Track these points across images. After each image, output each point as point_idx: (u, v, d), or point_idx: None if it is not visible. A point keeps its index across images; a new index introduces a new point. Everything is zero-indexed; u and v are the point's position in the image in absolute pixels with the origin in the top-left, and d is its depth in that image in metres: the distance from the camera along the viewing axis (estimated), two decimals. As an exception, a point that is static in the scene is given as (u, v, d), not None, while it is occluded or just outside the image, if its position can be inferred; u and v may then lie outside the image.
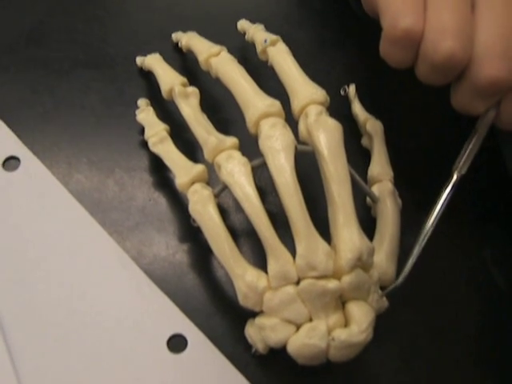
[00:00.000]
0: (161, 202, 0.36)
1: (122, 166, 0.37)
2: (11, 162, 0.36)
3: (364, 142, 0.38)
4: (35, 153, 0.36)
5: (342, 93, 0.38)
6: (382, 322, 0.30)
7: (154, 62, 0.38)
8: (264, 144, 0.31)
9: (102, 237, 0.34)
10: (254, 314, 0.30)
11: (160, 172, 0.36)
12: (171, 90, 0.35)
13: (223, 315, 0.32)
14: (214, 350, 0.31)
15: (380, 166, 0.35)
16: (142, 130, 0.36)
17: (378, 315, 0.30)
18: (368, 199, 0.35)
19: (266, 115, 0.32)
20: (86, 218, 0.34)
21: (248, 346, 0.31)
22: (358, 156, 0.37)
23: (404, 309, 0.34)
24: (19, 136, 0.37)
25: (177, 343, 0.31)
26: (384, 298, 0.31)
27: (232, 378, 0.31)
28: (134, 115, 0.37)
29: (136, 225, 0.35)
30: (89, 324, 0.31)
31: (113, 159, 0.37)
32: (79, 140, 0.37)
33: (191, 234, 0.35)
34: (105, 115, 0.38)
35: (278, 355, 0.30)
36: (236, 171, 0.30)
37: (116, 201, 0.36)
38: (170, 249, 0.34)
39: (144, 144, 0.36)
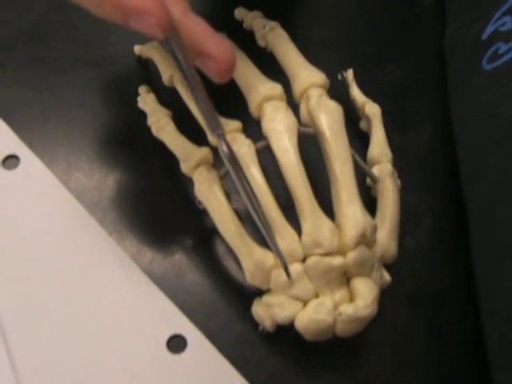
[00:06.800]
0: (160, 201, 0.36)
1: (121, 165, 0.37)
2: (11, 161, 0.35)
3: (362, 125, 0.38)
4: (35, 151, 0.36)
5: (339, 77, 0.39)
6: (379, 322, 0.31)
7: (152, 49, 0.38)
8: (267, 126, 0.32)
9: (101, 236, 0.34)
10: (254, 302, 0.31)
11: (160, 170, 0.36)
12: (172, 77, 0.36)
13: (223, 315, 0.33)
14: (213, 350, 0.31)
15: (379, 148, 0.36)
16: (142, 127, 0.36)
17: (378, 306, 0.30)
18: (368, 180, 0.36)
19: (269, 98, 0.33)
20: (85, 216, 0.34)
21: (247, 347, 0.31)
22: (356, 139, 0.37)
23: (402, 309, 0.34)
24: (19, 134, 0.36)
25: (176, 343, 0.31)
26: (386, 274, 0.32)
27: (231, 379, 0.30)
28: (134, 114, 0.37)
29: (135, 224, 0.35)
30: (88, 324, 0.31)
31: (112, 158, 0.37)
32: (79, 138, 0.37)
33: (191, 233, 0.35)
34: (104, 113, 0.38)
35: (276, 356, 0.31)
36: (241, 153, 0.31)
37: (115, 200, 0.35)
38: (169, 248, 0.34)
39: (144, 143, 0.36)
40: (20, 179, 0.35)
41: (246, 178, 0.28)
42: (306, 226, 0.30)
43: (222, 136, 0.28)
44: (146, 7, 0.24)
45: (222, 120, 0.33)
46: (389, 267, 0.33)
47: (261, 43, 0.37)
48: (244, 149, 0.31)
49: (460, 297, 0.35)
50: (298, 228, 0.30)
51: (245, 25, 0.40)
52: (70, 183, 0.35)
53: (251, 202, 0.28)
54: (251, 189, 0.28)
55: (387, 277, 0.32)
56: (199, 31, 0.26)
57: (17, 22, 0.41)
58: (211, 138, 0.33)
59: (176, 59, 0.26)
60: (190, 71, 0.26)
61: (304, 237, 0.29)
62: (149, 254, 0.34)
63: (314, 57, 0.35)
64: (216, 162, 0.33)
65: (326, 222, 0.30)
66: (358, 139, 0.38)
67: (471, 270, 0.34)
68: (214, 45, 0.26)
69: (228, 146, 0.28)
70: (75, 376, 0.30)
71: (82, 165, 0.36)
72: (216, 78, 0.26)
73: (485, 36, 0.38)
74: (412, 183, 0.38)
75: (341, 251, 0.30)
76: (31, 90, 0.39)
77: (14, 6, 0.42)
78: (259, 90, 0.33)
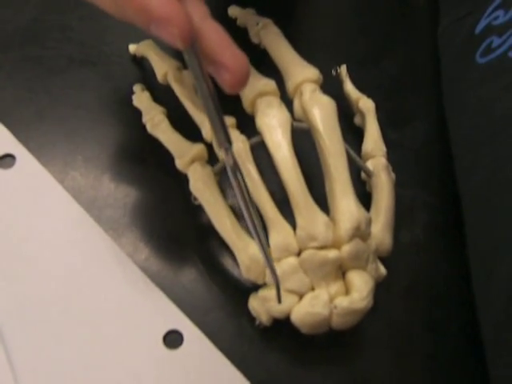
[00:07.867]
0: (156, 198, 0.36)
1: (117, 163, 0.37)
2: (7, 160, 0.36)
3: (357, 120, 0.39)
4: (31, 150, 0.36)
5: (333, 73, 0.39)
6: (375, 316, 0.31)
7: (147, 48, 0.39)
8: (261, 122, 0.32)
9: (97, 234, 0.34)
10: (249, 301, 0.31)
11: (155, 167, 0.36)
12: (166, 75, 0.36)
13: (219, 311, 0.33)
14: (209, 345, 0.31)
15: (373, 142, 0.36)
16: (137, 125, 0.36)
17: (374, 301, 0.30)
18: (363, 174, 0.36)
19: (262, 94, 0.33)
20: (81, 215, 0.34)
21: (244, 342, 0.32)
22: (351, 134, 0.37)
23: (398, 303, 0.34)
24: (15, 134, 0.36)
25: (173, 339, 0.31)
26: (382, 267, 0.32)
27: (228, 374, 0.31)
28: (130, 113, 0.37)
29: (132, 221, 0.35)
30: (85, 320, 0.31)
31: (108, 156, 0.37)
32: (74, 137, 0.37)
33: (187, 229, 0.35)
34: (100, 113, 0.38)
35: (273, 351, 0.31)
36: (235, 149, 0.31)
37: (111, 198, 0.35)
38: (165, 245, 0.34)
39: (139, 141, 0.36)
40: (16, 178, 0.35)
41: (248, 191, 0.27)
42: (300, 220, 0.30)
43: (229, 150, 0.27)
44: (170, 17, 0.24)
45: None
46: (385, 261, 0.33)
47: (254, 40, 0.38)
48: (238, 144, 0.31)
49: (456, 290, 0.35)
50: (293, 224, 0.30)
51: (238, 22, 0.40)
52: (67, 182, 0.36)
53: (251, 217, 0.27)
54: (252, 204, 0.28)
55: (382, 270, 0.32)
56: (216, 39, 0.26)
57: (12, 22, 0.41)
58: (206, 134, 0.33)
59: (191, 67, 0.26)
60: (204, 81, 0.26)
61: (298, 230, 0.30)
62: (145, 251, 0.34)
63: (308, 53, 0.35)
64: (211, 158, 0.33)
65: (320, 216, 0.30)
66: (352, 134, 0.38)
67: (467, 264, 0.34)
68: (229, 55, 0.25)
69: (234, 161, 0.27)
70: (72, 372, 0.30)
71: (78, 164, 0.36)
72: (227, 89, 0.26)
73: (478, 30, 0.38)
74: (407, 178, 0.38)
75: (335, 244, 0.30)
76: (27, 90, 0.39)
77: (9, 7, 0.42)
78: (253, 86, 0.33)
